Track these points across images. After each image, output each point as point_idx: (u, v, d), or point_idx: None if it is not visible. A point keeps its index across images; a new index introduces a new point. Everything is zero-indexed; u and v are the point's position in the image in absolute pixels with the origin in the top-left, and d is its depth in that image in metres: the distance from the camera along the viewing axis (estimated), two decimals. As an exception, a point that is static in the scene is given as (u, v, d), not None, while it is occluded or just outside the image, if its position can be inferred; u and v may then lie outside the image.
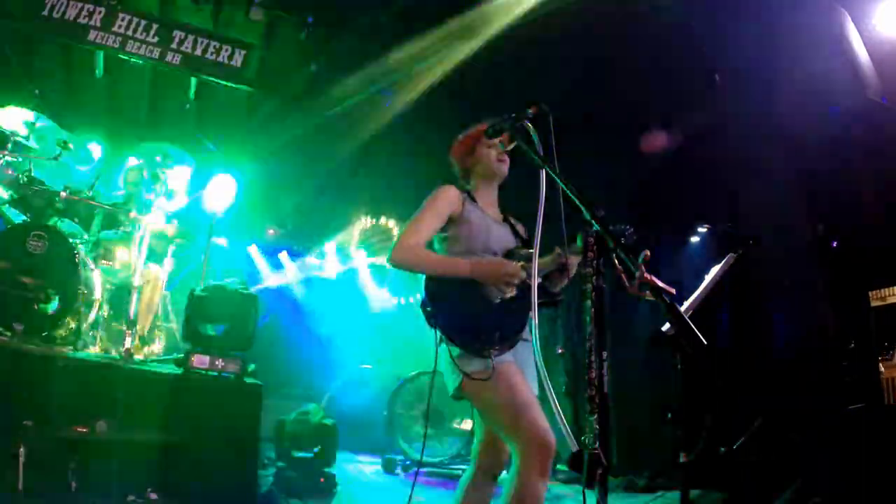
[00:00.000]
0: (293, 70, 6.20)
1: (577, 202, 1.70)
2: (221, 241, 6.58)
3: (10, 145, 4.36)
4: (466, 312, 2.25)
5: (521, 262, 2.33)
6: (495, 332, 2.22)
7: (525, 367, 2.31)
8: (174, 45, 5.72)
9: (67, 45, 5.86)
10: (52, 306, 3.86)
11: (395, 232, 7.73)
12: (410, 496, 2.45)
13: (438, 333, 2.26)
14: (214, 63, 5.79)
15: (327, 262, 8.12)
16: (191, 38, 5.77)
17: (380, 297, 8.20)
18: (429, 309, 2.27)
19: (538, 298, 2.00)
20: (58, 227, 4.29)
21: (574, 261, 2.41)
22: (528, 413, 2.10)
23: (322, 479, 4.44)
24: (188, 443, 3.47)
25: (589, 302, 1.61)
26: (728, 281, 3.11)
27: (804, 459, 3.67)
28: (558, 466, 4.69)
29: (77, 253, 4.08)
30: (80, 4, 5.53)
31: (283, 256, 7.80)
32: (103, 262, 4.63)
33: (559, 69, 5.26)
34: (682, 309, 2.99)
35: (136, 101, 6.47)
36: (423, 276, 2.31)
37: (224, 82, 5.92)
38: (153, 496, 3.22)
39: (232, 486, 3.53)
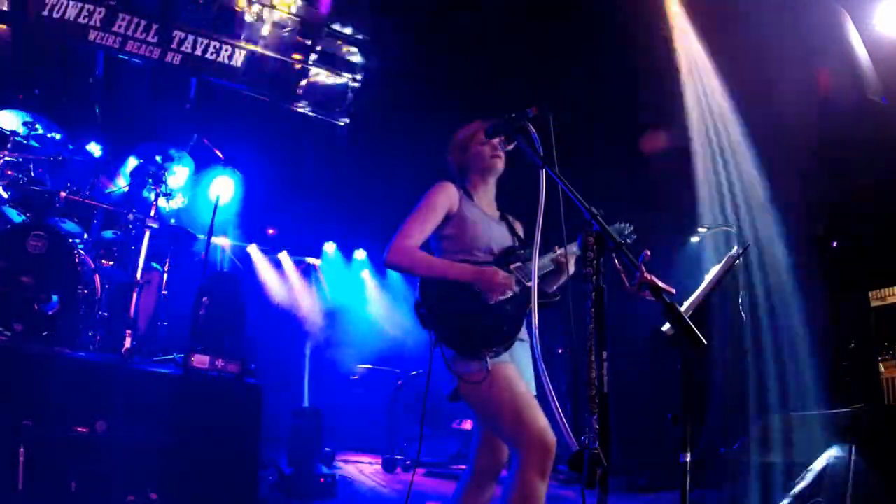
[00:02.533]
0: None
1: (577, 202, 1.70)
2: (220, 241, 6.57)
3: (9, 145, 4.36)
4: (461, 314, 2.21)
5: (516, 265, 2.32)
6: (491, 334, 2.18)
7: (522, 368, 2.29)
8: (174, 45, 5.73)
9: (67, 46, 5.86)
10: (52, 306, 3.86)
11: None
12: (408, 496, 2.45)
13: (433, 335, 2.23)
14: (214, 63, 5.80)
15: (327, 261, 8.12)
16: (191, 38, 5.77)
17: (379, 297, 8.19)
18: (423, 311, 2.23)
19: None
20: (58, 227, 4.29)
21: (572, 261, 2.40)
22: (526, 414, 2.08)
23: (322, 479, 4.43)
24: (188, 443, 3.47)
25: (589, 302, 1.61)
26: (728, 281, 3.11)
27: (804, 460, 3.67)
28: (558, 466, 4.68)
29: (77, 253, 4.08)
30: (80, 4, 5.54)
31: (283, 256, 7.79)
32: (103, 262, 4.64)
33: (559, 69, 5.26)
34: (682, 309, 2.99)
35: (136, 101, 6.47)
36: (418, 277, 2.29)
37: (224, 82, 5.92)
38: (153, 496, 3.22)
39: (232, 486, 3.53)
